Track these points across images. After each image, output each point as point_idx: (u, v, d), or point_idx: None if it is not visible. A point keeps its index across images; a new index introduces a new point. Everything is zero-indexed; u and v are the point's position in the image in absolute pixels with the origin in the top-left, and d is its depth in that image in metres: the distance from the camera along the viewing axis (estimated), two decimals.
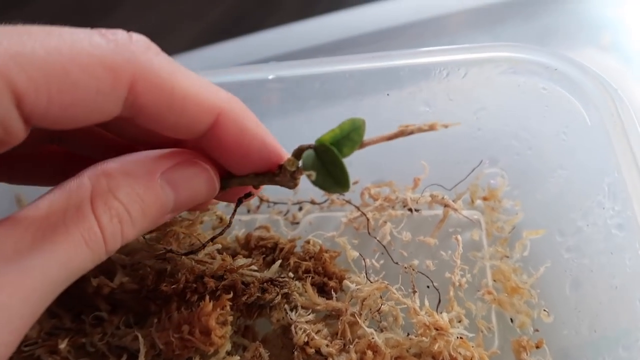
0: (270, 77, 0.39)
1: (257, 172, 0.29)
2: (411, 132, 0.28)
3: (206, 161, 0.27)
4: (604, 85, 0.32)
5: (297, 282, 0.36)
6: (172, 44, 0.66)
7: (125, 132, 0.28)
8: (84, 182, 0.22)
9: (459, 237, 0.37)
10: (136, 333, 0.31)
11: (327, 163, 0.27)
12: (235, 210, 0.32)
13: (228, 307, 0.31)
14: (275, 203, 0.45)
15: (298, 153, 0.28)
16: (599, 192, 0.31)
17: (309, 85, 0.39)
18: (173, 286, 0.32)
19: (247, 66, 0.39)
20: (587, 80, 0.32)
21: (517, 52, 0.35)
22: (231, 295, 0.31)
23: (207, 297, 0.30)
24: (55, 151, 0.31)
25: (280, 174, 0.28)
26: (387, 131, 0.43)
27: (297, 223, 0.44)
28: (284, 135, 0.43)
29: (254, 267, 0.35)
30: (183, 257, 0.34)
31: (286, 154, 0.29)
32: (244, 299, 0.32)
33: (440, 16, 0.54)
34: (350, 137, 0.27)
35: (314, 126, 0.42)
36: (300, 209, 0.44)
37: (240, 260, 0.35)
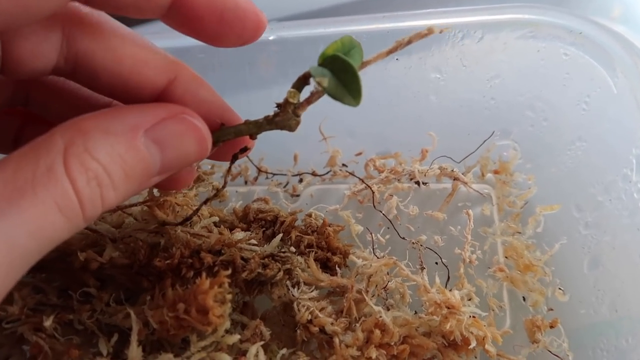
0: (271, 37, 0.36)
1: (239, 38, 0.25)
2: (409, 42, 0.27)
3: (195, 116, 0.24)
4: (634, 50, 0.30)
5: (299, 257, 0.34)
6: None
7: (98, 80, 0.23)
8: (55, 140, 0.19)
9: (470, 211, 0.35)
10: (128, 310, 0.28)
11: (338, 71, 0.24)
12: (230, 168, 0.30)
13: (226, 285, 0.28)
14: (274, 174, 0.42)
15: (299, 83, 0.25)
16: (625, 165, 0.29)
17: (312, 48, 0.36)
18: (167, 261, 0.29)
19: None
20: (615, 45, 0.30)
21: (539, 14, 0.33)
22: (229, 271, 0.29)
23: (204, 274, 0.28)
24: (20, 114, 0.28)
25: (280, 112, 0.25)
26: (397, 100, 0.41)
27: (298, 195, 0.42)
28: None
29: (254, 241, 0.33)
30: (178, 230, 0.31)
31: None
32: (243, 275, 0.30)
33: None
34: (351, 54, 0.25)
35: None
36: (301, 180, 0.42)
37: (239, 234, 0.33)
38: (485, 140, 0.39)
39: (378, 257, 0.33)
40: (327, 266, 0.35)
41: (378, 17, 0.35)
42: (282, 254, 0.33)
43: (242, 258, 0.31)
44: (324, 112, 0.40)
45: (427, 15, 0.34)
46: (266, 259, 0.32)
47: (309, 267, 0.33)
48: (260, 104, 0.42)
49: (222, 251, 0.31)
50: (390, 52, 0.26)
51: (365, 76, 0.39)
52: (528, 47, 0.34)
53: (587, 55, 0.32)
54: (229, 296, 0.28)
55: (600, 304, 0.29)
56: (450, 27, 0.34)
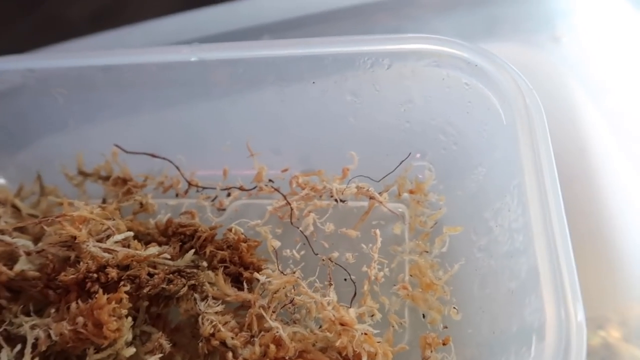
0: (193, 59, 0.38)
1: None
2: None
3: None
4: (519, 84, 0.31)
5: (210, 272, 0.35)
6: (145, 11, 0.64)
7: None
8: None
9: (377, 231, 0.37)
10: (32, 323, 0.30)
11: None
12: None
13: (125, 300, 0.30)
14: (204, 188, 0.44)
15: None
16: (506, 194, 0.30)
17: (233, 69, 0.38)
18: (72, 275, 0.31)
19: (168, 47, 0.38)
20: (503, 78, 0.32)
21: (439, 44, 0.34)
22: (128, 287, 0.30)
23: (101, 290, 0.29)
24: None
25: None
26: (318, 120, 0.42)
27: (224, 210, 0.43)
28: (208, 119, 0.43)
29: (167, 256, 0.35)
30: (90, 245, 0.33)
31: None
32: (146, 290, 0.32)
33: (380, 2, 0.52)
34: None
35: (239, 111, 0.41)
36: (229, 194, 0.43)
37: (151, 249, 0.34)
38: (402, 161, 0.40)
39: (285, 274, 0.35)
40: (239, 281, 0.36)
41: (292, 43, 0.36)
42: (188, 270, 0.35)
43: (149, 273, 0.33)
44: (251, 130, 0.42)
45: (337, 43, 0.35)
46: (172, 275, 0.33)
47: (218, 282, 0.34)
48: (192, 120, 0.43)
49: (130, 266, 0.33)
50: None
51: (287, 97, 0.41)
52: (434, 75, 0.36)
53: (483, 86, 0.33)
54: (125, 312, 0.30)
55: (483, 324, 0.31)
56: (361, 57, 0.36)
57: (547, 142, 0.29)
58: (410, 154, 0.40)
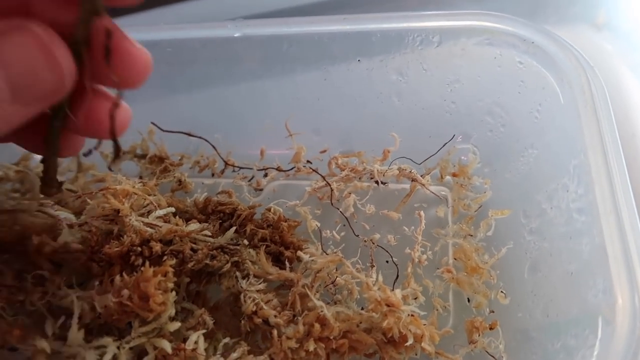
0: (237, 34, 0.37)
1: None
2: None
3: (43, 26, 0.21)
4: (580, 62, 0.30)
5: (251, 250, 0.34)
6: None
7: None
8: None
9: (421, 212, 0.36)
10: (75, 295, 0.29)
11: None
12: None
13: (170, 274, 0.29)
14: (240, 168, 0.43)
15: None
16: (565, 174, 0.29)
17: (277, 46, 0.37)
18: (117, 249, 0.30)
19: (212, 23, 0.37)
20: (563, 56, 0.30)
21: (494, 21, 0.33)
22: (174, 261, 0.30)
23: (147, 263, 0.29)
24: None
25: None
26: (361, 100, 0.41)
27: (261, 190, 0.42)
28: (248, 98, 0.42)
29: (207, 232, 0.34)
30: (132, 219, 0.32)
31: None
32: (190, 265, 0.31)
33: None
34: None
35: (280, 89, 0.41)
36: (266, 175, 0.43)
37: (192, 225, 0.34)
38: (445, 143, 0.39)
39: (327, 254, 0.34)
40: (279, 260, 0.35)
41: (339, 19, 0.35)
42: (231, 247, 0.34)
43: (191, 249, 0.32)
44: (291, 109, 0.41)
45: (386, 19, 0.34)
46: (215, 251, 0.33)
47: (260, 260, 0.34)
48: (231, 98, 0.42)
49: (173, 241, 0.32)
50: None
51: (331, 76, 0.40)
52: (485, 54, 0.35)
53: (539, 65, 0.32)
54: (171, 285, 0.29)
55: (535, 308, 0.30)
56: (411, 34, 0.35)
57: (612, 121, 0.28)
58: (454, 136, 0.39)
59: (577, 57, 0.30)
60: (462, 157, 0.39)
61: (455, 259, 0.36)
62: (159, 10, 0.51)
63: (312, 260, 0.33)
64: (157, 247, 0.31)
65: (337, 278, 0.34)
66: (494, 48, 0.34)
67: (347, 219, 0.39)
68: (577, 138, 0.28)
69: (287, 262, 0.34)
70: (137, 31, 0.40)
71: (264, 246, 0.34)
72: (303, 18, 0.36)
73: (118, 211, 0.32)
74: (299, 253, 0.34)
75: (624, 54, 0.46)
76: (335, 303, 0.34)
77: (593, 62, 0.46)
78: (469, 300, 0.34)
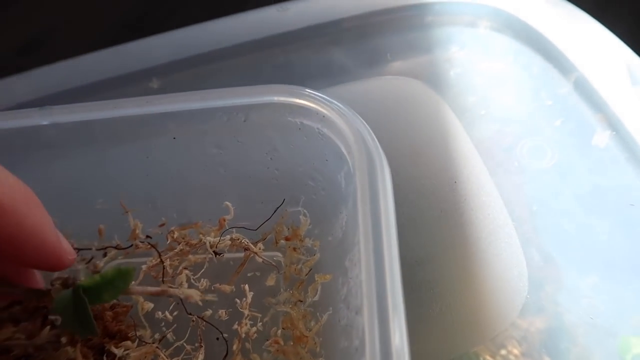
0: (45, 122, 0.36)
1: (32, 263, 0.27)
2: (171, 295, 0.32)
3: None
4: (362, 136, 0.31)
5: (68, 348, 0.33)
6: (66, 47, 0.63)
7: None
8: None
9: (246, 286, 0.36)
10: None
11: (79, 307, 0.29)
12: None
13: None
14: (79, 249, 0.42)
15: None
16: (354, 246, 0.30)
17: (89, 130, 0.37)
18: None
19: (17, 111, 0.36)
20: (346, 128, 0.32)
21: (288, 96, 0.34)
22: None
23: None
24: None
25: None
26: (189, 172, 0.41)
27: (99, 272, 0.41)
28: (74, 180, 0.41)
29: (20, 336, 0.33)
30: None
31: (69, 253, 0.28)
32: None
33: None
34: (114, 284, 0.29)
35: (105, 169, 0.40)
36: (105, 254, 0.42)
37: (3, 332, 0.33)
38: (277, 208, 0.40)
39: (147, 343, 0.34)
40: (103, 352, 0.35)
41: (141, 102, 0.35)
42: (47, 346, 0.33)
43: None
44: (121, 186, 0.40)
45: (185, 99, 0.35)
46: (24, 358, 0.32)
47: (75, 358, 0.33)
48: (55, 183, 0.41)
49: None
50: (155, 293, 0.32)
51: (152, 152, 0.40)
52: (290, 125, 0.35)
53: (333, 136, 0.33)
54: None
55: None
56: (216, 113, 0.35)
57: (387, 192, 0.29)
58: (284, 200, 0.40)
59: (358, 127, 0.31)
60: (296, 223, 0.40)
61: (283, 328, 0.36)
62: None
63: (127, 354, 0.32)
64: None
65: None
66: (296, 119, 0.35)
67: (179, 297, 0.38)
68: (356, 211, 0.29)
69: (105, 357, 0.33)
70: None
71: (81, 342, 0.33)
72: (107, 102, 0.35)
73: None
74: (112, 348, 0.33)
75: (451, 97, 0.48)
76: None
77: (423, 107, 0.48)
78: None
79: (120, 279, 0.29)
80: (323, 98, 0.33)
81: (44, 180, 0.40)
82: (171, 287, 0.33)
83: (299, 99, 0.34)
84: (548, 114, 0.44)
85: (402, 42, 0.51)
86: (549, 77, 0.45)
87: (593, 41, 0.44)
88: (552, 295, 0.37)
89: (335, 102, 0.32)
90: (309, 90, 0.34)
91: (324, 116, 0.33)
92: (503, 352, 0.38)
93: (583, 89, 0.43)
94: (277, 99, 0.34)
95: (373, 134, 0.31)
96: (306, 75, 0.50)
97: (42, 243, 0.26)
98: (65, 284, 0.30)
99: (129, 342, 0.33)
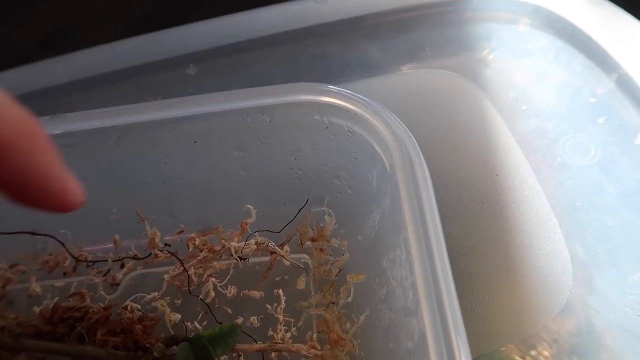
0: (56, 132, 0.35)
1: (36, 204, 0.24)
2: (280, 351, 0.32)
3: None
4: (399, 132, 0.30)
5: None
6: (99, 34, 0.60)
7: None
8: None
9: (280, 291, 0.36)
10: None
11: (201, 355, 0.29)
12: None
13: None
14: (94, 262, 0.40)
15: (170, 342, 0.30)
16: (397, 247, 0.29)
17: (104, 139, 0.35)
18: None
19: None
20: (382, 127, 0.31)
21: (316, 94, 0.33)
22: None
23: None
24: None
25: (143, 357, 0.30)
26: (209, 177, 0.40)
27: (118, 284, 0.40)
28: (88, 189, 0.39)
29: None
30: None
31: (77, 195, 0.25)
32: None
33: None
34: (226, 339, 0.30)
35: (121, 177, 0.39)
36: (123, 266, 0.40)
37: None
38: (301, 209, 0.39)
39: None
40: None
41: (162, 106, 0.34)
42: None
43: None
44: (137, 196, 0.39)
45: (209, 101, 0.33)
46: None
47: None
48: None
49: None
50: (262, 349, 0.33)
51: (170, 159, 0.39)
52: (318, 124, 0.35)
53: (365, 134, 0.32)
54: None
55: None
56: (240, 114, 0.34)
57: (430, 193, 0.28)
58: (308, 200, 0.39)
59: (393, 127, 0.31)
60: (320, 223, 0.39)
61: (319, 331, 0.36)
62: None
63: None
64: None
65: None
66: (324, 118, 0.34)
67: (208, 306, 0.37)
68: (400, 212, 0.28)
69: None
70: None
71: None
72: (127, 107, 0.34)
73: None
74: None
75: (493, 92, 0.47)
76: None
77: (464, 102, 0.47)
78: None
79: (231, 335, 0.30)
80: (355, 96, 0.32)
81: None
82: (277, 343, 0.33)
83: (329, 97, 0.33)
84: (591, 111, 0.44)
85: (441, 37, 0.50)
86: (592, 75, 0.45)
87: (635, 40, 0.44)
88: (594, 293, 0.37)
89: (369, 100, 0.32)
90: (339, 89, 0.33)
91: (355, 114, 0.32)
92: (533, 352, 0.37)
93: (626, 87, 0.43)
94: (304, 97, 0.33)
95: (410, 132, 0.30)
96: (343, 67, 0.50)
97: (47, 186, 0.23)
98: (172, 339, 0.31)
99: None
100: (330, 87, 0.33)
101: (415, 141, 0.30)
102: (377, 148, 0.32)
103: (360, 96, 0.32)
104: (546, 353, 0.37)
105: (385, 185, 0.32)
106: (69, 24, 0.70)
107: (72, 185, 0.25)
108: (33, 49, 0.69)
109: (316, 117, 0.34)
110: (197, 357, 0.29)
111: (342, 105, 0.33)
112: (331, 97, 0.33)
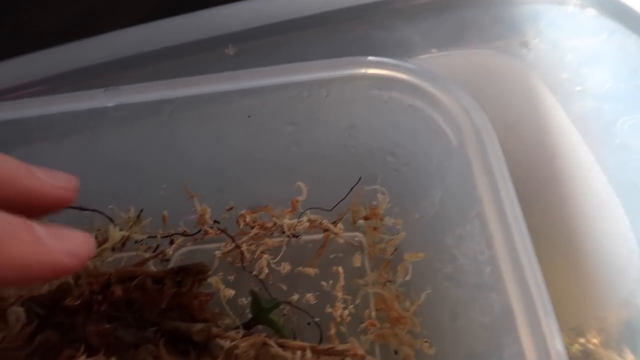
0: (110, 104, 0.34)
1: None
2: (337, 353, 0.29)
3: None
4: (465, 105, 0.30)
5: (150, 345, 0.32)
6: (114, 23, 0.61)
7: None
8: None
9: (339, 268, 0.35)
10: None
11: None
12: None
13: None
14: (143, 238, 0.40)
15: None
16: (467, 222, 0.29)
17: (157, 112, 0.34)
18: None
19: (79, 93, 0.34)
20: (449, 101, 0.30)
21: (377, 67, 0.32)
22: None
23: None
24: None
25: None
26: (259, 153, 0.39)
27: (168, 260, 0.40)
28: (136, 165, 0.39)
29: None
30: None
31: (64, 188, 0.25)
32: None
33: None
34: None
35: (171, 152, 0.38)
36: (172, 242, 0.40)
37: None
38: (353, 187, 0.38)
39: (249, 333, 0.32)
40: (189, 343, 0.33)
41: (218, 78, 0.33)
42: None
43: None
44: (186, 172, 0.38)
45: (266, 74, 0.33)
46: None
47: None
48: (117, 168, 0.39)
49: None
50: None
51: (221, 134, 0.38)
52: (376, 99, 0.34)
53: (428, 108, 0.32)
54: None
55: (458, 357, 0.30)
56: (296, 88, 0.33)
57: (502, 166, 0.28)
58: (360, 178, 0.38)
59: (460, 100, 0.30)
60: (372, 201, 0.38)
61: (377, 309, 0.35)
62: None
63: (235, 344, 0.31)
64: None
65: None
66: (382, 93, 0.33)
67: (262, 282, 0.37)
68: (473, 186, 0.28)
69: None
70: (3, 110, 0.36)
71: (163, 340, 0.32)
72: (178, 80, 0.33)
73: None
74: (218, 341, 0.31)
75: (545, 74, 0.46)
76: None
77: (515, 83, 0.46)
78: (396, 353, 0.34)
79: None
80: (419, 69, 0.31)
81: (104, 165, 0.38)
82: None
83: (391, 70, 0.32)
84: None
85: (488, 17, 0.49)
86: None
87: None
88: None
89: (435, 73, 0.31)
90: (402, 62, 0.32)
91: (418, 89, 0.31)
92: (582, 340, 0.37)
93: None
94: (365, 71, 0.32)
95: (482, 108, 0.30)
96: (384, 48, 0.48)
97: (34, 199, 0.23)
98: None
99: (233, 333, 0.32)
100: (393, 60, 0.32)
101: (484, 113, 0.29)
102: (442, 122, 0.31)
103: (425, 69, 0.31)
104: (595, 341, 0.36)
105: (449, 161, 0.31)
106: (88, 13, 0.69)
107: (56, 181, 0.24)
108: (54, 36, 0.68)
109: (375, 91, 0.33)
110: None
111: (404, 78, 0.32)
112: (393, 70, 0.32)
